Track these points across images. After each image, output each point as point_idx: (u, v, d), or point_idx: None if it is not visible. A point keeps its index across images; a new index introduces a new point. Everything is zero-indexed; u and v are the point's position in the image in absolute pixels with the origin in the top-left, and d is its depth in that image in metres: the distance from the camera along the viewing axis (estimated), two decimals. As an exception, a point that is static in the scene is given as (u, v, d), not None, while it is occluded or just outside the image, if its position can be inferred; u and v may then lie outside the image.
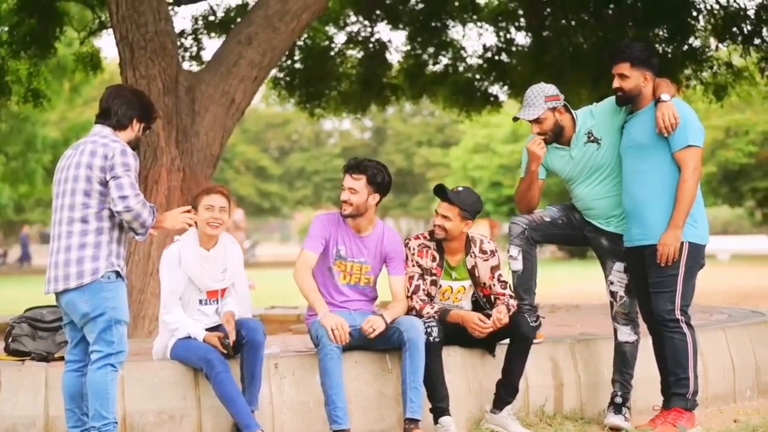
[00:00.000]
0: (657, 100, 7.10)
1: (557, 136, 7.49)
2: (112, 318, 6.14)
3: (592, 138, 7.44)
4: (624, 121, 7.33)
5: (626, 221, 7.34)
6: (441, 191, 7.38)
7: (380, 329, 7.07)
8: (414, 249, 7.43)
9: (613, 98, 7.36)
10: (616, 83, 7.23)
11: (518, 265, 7.54)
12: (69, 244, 6.15)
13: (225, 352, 6.79)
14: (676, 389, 7.19)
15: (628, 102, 7.26)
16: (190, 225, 6.73)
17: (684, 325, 7.14)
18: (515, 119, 7.62)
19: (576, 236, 7.72)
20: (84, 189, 6.17)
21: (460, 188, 7.46)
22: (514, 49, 15.74)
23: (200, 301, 7.06)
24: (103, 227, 6.18)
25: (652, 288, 7.17)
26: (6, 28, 14.15)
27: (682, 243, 7.05)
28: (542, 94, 7.42)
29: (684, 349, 7.14)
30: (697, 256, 7.16)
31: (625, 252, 7.40)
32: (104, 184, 6.15)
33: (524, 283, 7.55)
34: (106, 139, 6.25)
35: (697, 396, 7.23)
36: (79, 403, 6.34)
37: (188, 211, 6.67)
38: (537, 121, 7.44)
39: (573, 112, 7.53)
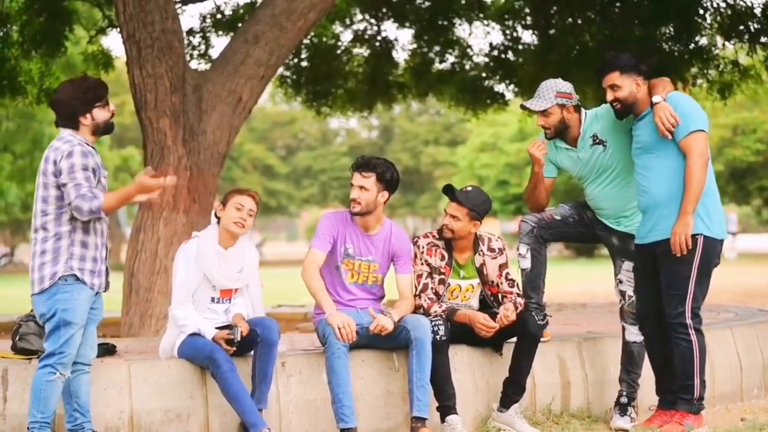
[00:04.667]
0: (652, 105, 7.08)
1: (560, 133, 7.49)
2: (62, 319, 6.28)
3: (597, 140, 7.43)
4: (631, 124, 7.30)
5: (641, 219, 7.30)
6: (450, 191, 7.37)
7: (389, 329, 7.08)
8: (423, 247, 7.43)
9: None
10: (610, 96, 7.18)
11: (527, 264, 7.54)
12: (34, 251, 6.38)
13: (230, 348, 6.79)
14: (682, 394, 7.15)
15: (627, 112, 7.19)
16: (161, 188, 6.45)
17: (692, 332, 7.05)
18: (523, 107, 7.67)
19: (587, 234, 7.71)
20: (42, 196, 6.34)
21: (469, 188, 7.45)
22: (520, 47, 15.75)
23: (212, 299, 7.06)
24: (61, 232, 6.32)
25: (664, 288, 7.12)
26: (16, 28, 14.19)
27: (696, 237, 6.98)
28: (555, 89, 7.42)
29: (689, 357, 7.07)
30: (711, 253, 7.05)
31: (636, 249, 7.38)
32: (58, 187, 6.28)
33: (532, 281, 7.54)
34: (60, 142, 6.35)
35: (702, 400, 7.19)
36: (69, 399, 6.52)
37: (157, 177, 6.41)
38: (543, 113, 7.44)
39: (584, 112, 7.52)
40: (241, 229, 7.04)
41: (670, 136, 6.96)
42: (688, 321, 7.04)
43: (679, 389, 7.17)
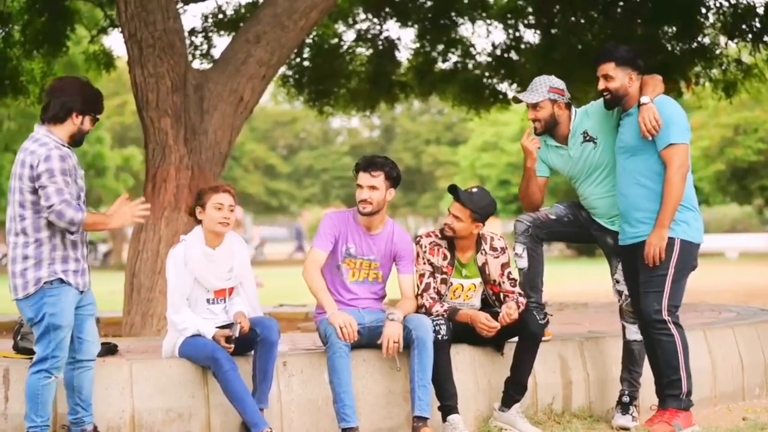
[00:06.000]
0: (639, 104, 7.10)
1: (550, 129, 7.51)
2: (51, 323, 6.30)
3: (587, 137, 7.45)
4: (619, 120, 7.33)
5: (620, 220, 7.34)
6: (454, 191, 7.36)
7: (400, 337, 7.05)
8: (426, 247, 7.42)
9: None
10: (602, 84, 7.23)
11: (524, 263, 7.55)
12: (14, 256, 6.35)
13: (229, 346, 6.78)
14: (670, 390, 7.18)
15: (616, 104, 7.25)
16: (143, 218, 6.62)
17: (671, 326, 7.10)
18: (515, 99, 7.69)
19: (583, 234, 7.72)
20: (19, 200, 6.33)
21: (474, 189, 7.42)
22: (522, 46, 15.73)
23: (208, 301, 7.06)
24: (41, 238, 6.31)
25: (641, 287, 7.17)
26: (17, 28, 14.20)
27: (673, 240, 7.03)
28: (548, 84, 7.47)
29: (673, 350, 7.11)
30: (688, 256, 7.12)
31: (620, 251, 7.40)
32: (34, 192, 6.27)
33: (530, 281, 7.55)
34: (35, 145, 6.33)
35: (691, 395, 7.20)
36: (71, 394, 6.54)
37: (143, 204, 6.57)
38: (534, 106, 7.46)
39: (574, 111, 7.55)
40: (227, 227, 7.04)
41: (650, 138, 6.99)
42: (666, 317, 7.08)
43: (667, 386, 7.19)
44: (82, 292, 6.47)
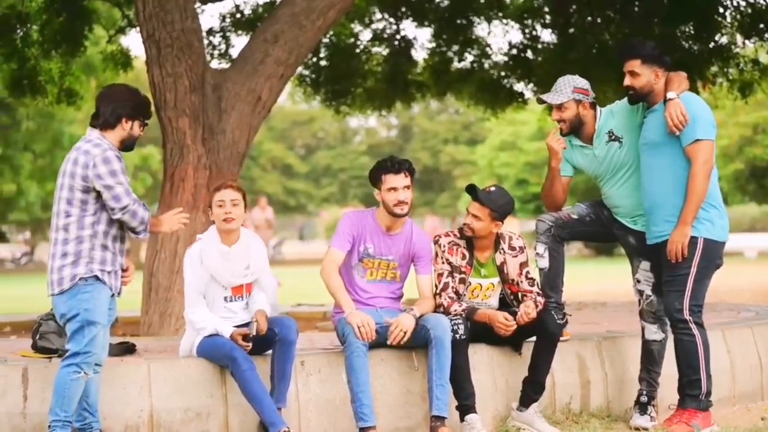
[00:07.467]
0: (665, 99, 7.07)
1: (575, 129, 7.49)
2: (85, 319, 6.37)
3: (613, 137, 7.43)
4: (643, 118, 7.31)
5: (646, 219, 7.32)
6: (472, 191, 7.36)
7: (410, 329, 7.06)
8: (444, 246, 7.42)
9: None
10: (627, 81, 7.20)
11: (545, 263, 7.53)
12: (54, 252, 6.44)
13: (246, 345, 6.80)
14: (689, 390, 7.17)
15: (640, 100, 7.23)
16: (185, 224, 6.86)
17: (693, 326, 7.08)
18: (539, 100, 7.65)
19: (604, 233, 7.70)
20: (66, 197, 6.42)
21: (492, 188, 7.42)
22: (539, 46, 15.71)
23: (225, 299, 7.08)
24: (83, 236, 6.41)
25: (664, 286, 7.17)
26: (36, 28, 14.25)
27: (696, 239, 7.00)
28: (572, 84, 7.43)
29: (694, 350, 7.09)
30: (712, 254, 7.09)
31: (648, 250, 7.38)
32: (86, 191, 6.38)
33: (551, 280, 7.53)
34: (89, 145, 6.46)
35: (710, 396, 7.18)
36: (78, 399, 6.53)
37: (181, 212, 6.85)
38: (559, 107, 7.44)
39: (599, 110, 7.52)
40: (232, 222, 7.04)
41: (677, 132, 6.96)
42: (687, 316, 7.05)
43: (686, 385, 7.17)
44: (113, 296, 6.54)
